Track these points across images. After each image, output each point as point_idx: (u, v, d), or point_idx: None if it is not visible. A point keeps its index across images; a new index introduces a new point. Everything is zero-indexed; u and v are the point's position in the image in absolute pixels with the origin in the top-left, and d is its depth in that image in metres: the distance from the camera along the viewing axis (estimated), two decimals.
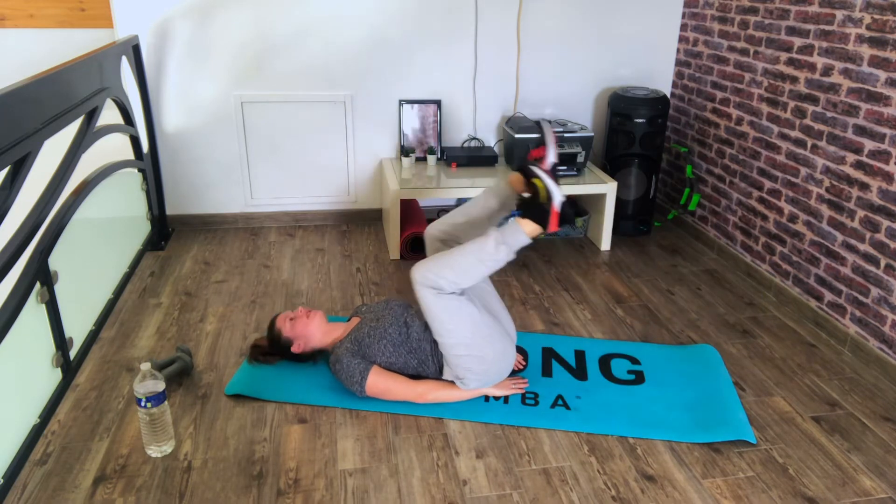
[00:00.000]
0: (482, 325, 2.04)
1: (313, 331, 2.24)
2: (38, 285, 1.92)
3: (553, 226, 2.01)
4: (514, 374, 2.30)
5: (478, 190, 3.18)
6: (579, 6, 3.49)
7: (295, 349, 2.24)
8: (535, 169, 2.03)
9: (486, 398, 2.15)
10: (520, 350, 2.44)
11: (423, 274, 1.98)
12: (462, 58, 3.48)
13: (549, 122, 2.19)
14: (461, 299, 2.01)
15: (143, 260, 3.15)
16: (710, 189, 3.40)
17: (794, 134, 2.78)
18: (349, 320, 2.34)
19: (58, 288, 2.06)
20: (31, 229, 1.89)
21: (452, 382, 2.13)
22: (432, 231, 2.31)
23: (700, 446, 1.97)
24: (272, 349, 2.29)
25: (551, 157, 2.12)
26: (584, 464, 1.90)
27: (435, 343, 2.11)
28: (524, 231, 2.01)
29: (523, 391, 2.17)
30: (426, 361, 2.13)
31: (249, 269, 3.08)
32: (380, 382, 2.09)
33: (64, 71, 2.11)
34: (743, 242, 3.15)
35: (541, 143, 2.17)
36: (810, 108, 2.68)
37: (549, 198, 1.99)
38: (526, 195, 2.07)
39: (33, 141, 1.82)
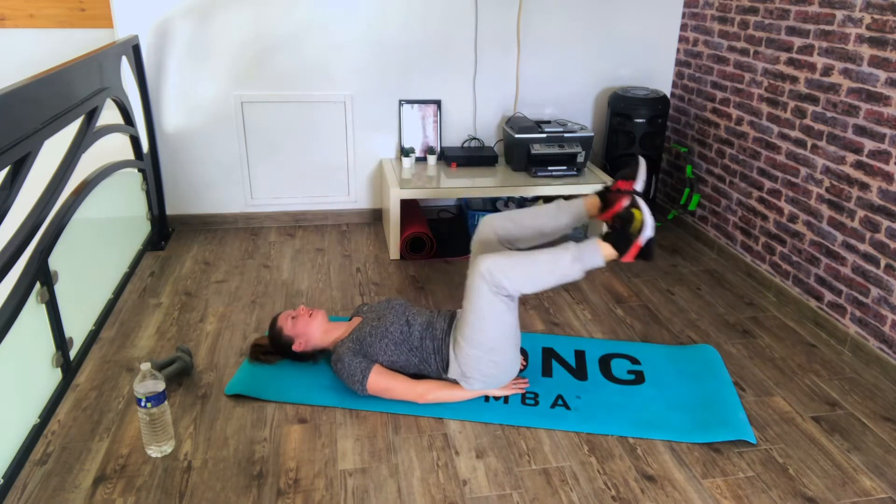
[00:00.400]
0: (510, 335, 2.04)
1: (314, 330, 2.24)
2: (38, 285, 1.92)
3: (630, 256, 2.00)
4: (518, 373, 2.30)
5: (477, 190, 3.18)
6: (579, 6, 3.49)
7: (296, 348, 2.24)
8: (642, 200, 2.01)
9: (486, 398, 2.15)
10: (521, 351, 2.44)
11: (490, 269, 1.94)
12: (462, 58, 3.48)
13: (643, 159, 2.20)
14: (510, 305, 2.00)
15: (143, 260, 3.15)
16: (710, 189, 3.40)
17: (794, 134, 2.78)
18: (350, 320, 2.34)
19: (58, 288, 2.06)
20: (31, 229, 1.89)
21: (453, 382, 2.12)
22: (493, 223, 2.25)
23: (700, 446, 1.97)
24: (273, 348, 2.29)
25: (639, 187, 2.13)
26: (584, 464, 1.90)
27: (440, 342, 2.11)
28: (602, 253, 1.99)
29: (524, 391, 2.17)
30: (428, 360, 2.13)
31: (249, 269, 3.08)
32: (381, 381, 2.09)
33: (64, 71, 2.11)
34: (743, 242, 3.15)
35: (631, 176, 2.16)
36: (810, 108, 2.68)
37: (640, 231, 1.98)
38: (616, 219, 2.04)
39: (33, 141, 1.82)
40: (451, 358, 2.09)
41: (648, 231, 1.98)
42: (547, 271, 1.97)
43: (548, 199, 3.66)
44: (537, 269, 1.97)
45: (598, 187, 2.13)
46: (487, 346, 2.02)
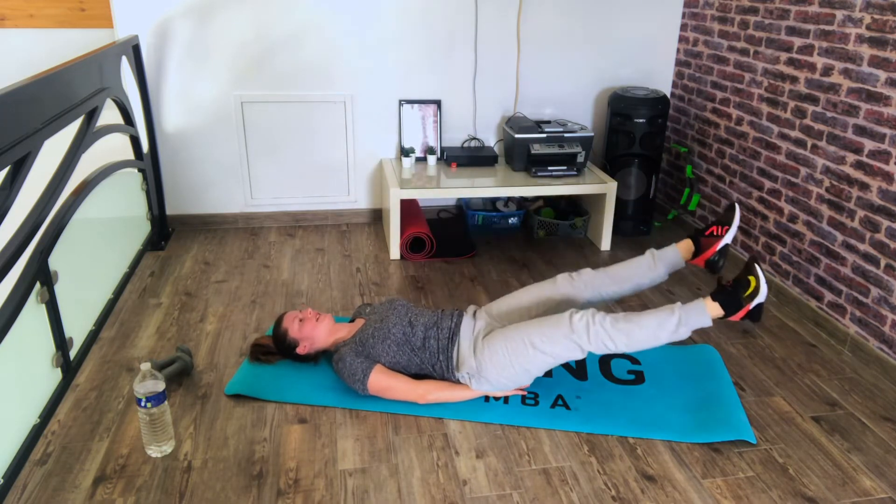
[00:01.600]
0: (550, 351, 2.03)
1: (321, 334, 2.24)
2: (38, 285, 1.92)
3: (738, 318, 2.01)
4: None
5: (477, 190, 3.18)
6: (579, 6, 3.49)
7: (300, 350, 2.24)
8: (759, 267, 2.01)
9: (486, 398, 2.15)
10: None
11: (599, 332, 1.95)
12: (462, 57, 3.48)
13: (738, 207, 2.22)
14: (573, 351, 2.00)
15: (143, 260, 3.15)
16: (710, 189, 3.40)
17: (794, 134, 2.78)
18: (352, 321, 2.34)
19: (58, 288, 2.06)
20: (31, 229, 1.89)
21: (454, 383, 2.12)
22: (585, 278, 2.24)
23: (700, 446, 1.97)
24: (276, 348, 2.29)
25: (729, 238, 2.14)
26: (584, 464, 1.90)
27: (445, 342, 2.11)
28: (709, 314, 1.98)
29: (524, 392, 2.17)
30: (431, 360, 2.12)
31: (249, 269, 3.08)
32: (382, 381, 2.09)
33: (64, 71, 2.11)
34: (743, 242, 3.15)
35: (727, 223, 2.17)
36: (810, 108, 2.68)
37: (751, 297, 1.98)
38: (732, 281, 2.04)
39: (33, 141, 1.82)
40: (468, 355, 2.09)
41: (761, 297, 1.97)
42: (652, 336, 1.96)
43: (547, 201, 3.67)
44: (643, 335, 1.96)
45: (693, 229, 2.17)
46: (524, 368, 2.04)
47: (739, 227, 3.16)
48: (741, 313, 1.99)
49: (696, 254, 2.24)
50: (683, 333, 1.98)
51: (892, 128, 2.30)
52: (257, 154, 3.47)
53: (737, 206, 2.23)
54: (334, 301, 2.80)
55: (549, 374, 2.30)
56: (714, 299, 1.99)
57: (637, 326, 1.96)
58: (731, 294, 1.99)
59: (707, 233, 2.22)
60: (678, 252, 2.25)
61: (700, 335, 2.58)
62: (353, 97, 3.45)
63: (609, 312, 2.03)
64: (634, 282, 2.24)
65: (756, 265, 2.01)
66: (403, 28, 3.37)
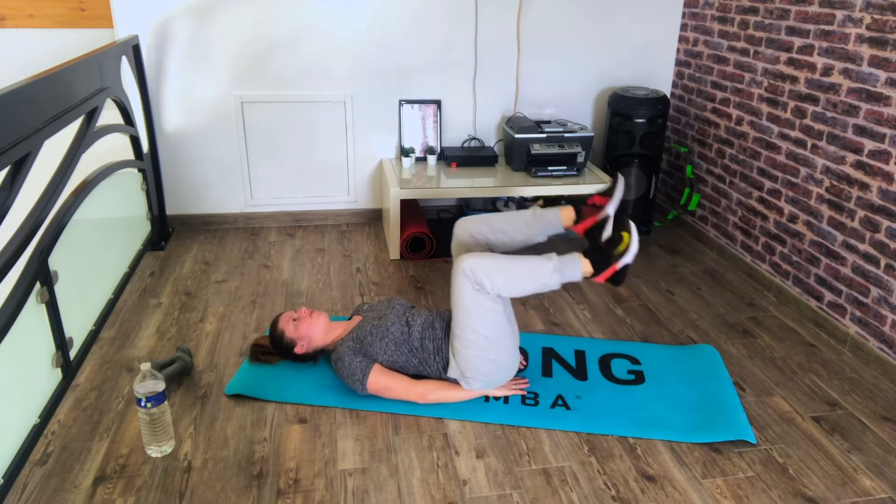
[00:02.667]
0: (501, 331, 2.05)
1: (317, 332, 2.24)
2: (38, 285, 1.92)
3: (602, 278, 2.02)
4: (516, 373, 2.30)
5: (477, 190, 3.18)
6: (579, 6, 3.49)
7: (298, 350, 2.24)
8: (633, 224, 2.02)
9: (486, 398, 2.15)
10: (521, 351, 2.44)
11: (474, 269, 1.96)
12: (462, 58, 3.48)
13: (623, 177, 2.21)
14: (496, 302, 2.01)
15: (143, 260, 3.15)
16: (710, 189, 3.40)
17: (794, 134, 2.78)
18: (350, 319, 2.34)
19: (58, 288, 2.06)
20: (31, 229, 1.89)
21: (454, 382, 2.12)
22: (467, 225, 2.25)
23: (700, 446, 1.97)
24: (275, 350, 2.29)
25: (611, 210, 2.13)
26: (584, 464, 1.90)
27: (440, 341, 2.11)
28: (582, 269, 2.01)
29: (524, 392, 2.17)
30: (428, 360, 2.12)
31: (249, 269, 3.08)
32: (381, 381, 2.09)
33: (64, 71, 2.11)
34: (743, 242, 3.15)
35: (609, 195, 2.17)
36: (810, 108, 2.68)
37: (622, 255, 1.99)
38: (594, 232, 2.05)
39: (33, 141, 1.82)
40: (451, 358, 2.10)
41: (629, 257, 2.00)
42: (528, 278, 1.99)
43: (548, 201, 3.67)
44: (519, 275, 1.99)
45: (583, 193, 2.16)
46: (481, 345, 2.02)
47: (740, 228, 3.16)
48: (607, 273, 2.00)
49: (576, 221, 2.21)
50: (555, 281, 1.99)
51: (892, 128, 2.30)
52: (257, 154, 3.47)
53: (620, 177, 2.20)
54: (334, 301, 2.80)
55: (548, 374, 2.30)
56: (586, 256, 2.02)
57: (514, 266, 1.98)
58: (602, 249, 2.02)
59: (590, 202, 2.20)
60: (559, 216, 2.23)
61: (700, 335, 2.58)
62: (353, 97, 3.45)
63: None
64: (510, 235, 2.23)
65: (629, 221, 2.02)
66: (403, 28, 3.37)
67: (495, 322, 2.02)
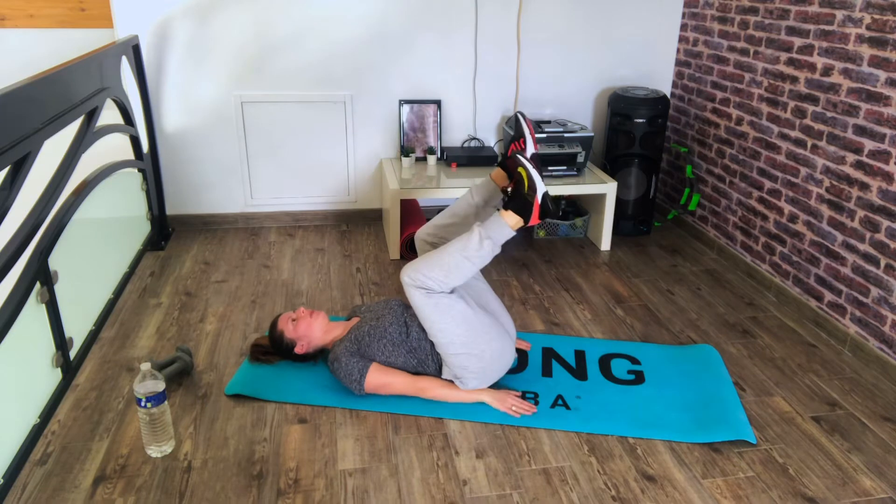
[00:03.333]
0: (476, 322, 2.04)
1: (316, 331, 2.24)
2: (38, 285, 1.92)
3: (535, 218, 2.01)
4: (516, 373, 2.30)
5: None
6: (579, 6, 3.49)
7: (298, 350, 2.24)
8: (521, 158, 2.02)
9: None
10: (519, 350, 2.44)
11: (412, 275, 1.99)
12: (462, 58, 3.48)
13: (524, 114, 2.21)
14: (452, 297, 2.02)
15: (143, 260, 3.15)
16: (710, 189, 3.40)
17: (794, 134, 2.78)
18: (348, 319, 2.34)
19: (58, 288, 2.06)
20: (31, 229, 1.89)
21: (452, 382, 2.12)
22: (421, 235, 2.32)
23: (700, 446, 1.97)
24: (275, 350, 2.29)
25: (530, 147, 2.11)
26: (584, 464, 1.90)
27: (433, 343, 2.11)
28: (507, 223, 2.02)
29: (519, 415, 2.08)
30: (425, 361, 2.12)
31: (249, 269, 3.08)
32: (379, 378, 2.09)
33: (64, 71, 2.11)
34: (743, 242, 3.15)
35: (519, 135, 2.16)
36: (810, 108, 2.68)
37: (532, 189, 1.99)
38: (509, 187, 2.07)
39: (33, 141, 1.82)
40: (443, 360, 2.10)
41: (539, 186, 1.99)
42: (462, 258, 1.99)
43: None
44: (452, 259, 1.99)
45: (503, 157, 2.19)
46: (458, 344, 2.03)
47: (740, 228, 3.16)
48: (535, 212, 1.99)
49: (510, 177, 2.21)
50: (489, 248, 1.99)
51: (892, 128, 2.30)
52: (257, 154, 3.47)
53: (519, 115, 2.19)
54: (334, 301, 2.80)
55: (548, 374, 2.30)
56: (506, 209, 2.02)
57: (445, 254, 1.99)
58: (514, 196, 2.01)
59: (508, 154, 2.19)
60: (491, 182, 2.26)
61: (700, 335, 2.58)
62: (353, 97, 3.45)
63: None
64: (460, 224, 2.26)
65: (517, 157, 2.02)
66: (403, 28, 3.37)
67: (462, 317, 2.02)
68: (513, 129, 3.31)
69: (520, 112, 2.21)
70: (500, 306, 2.24)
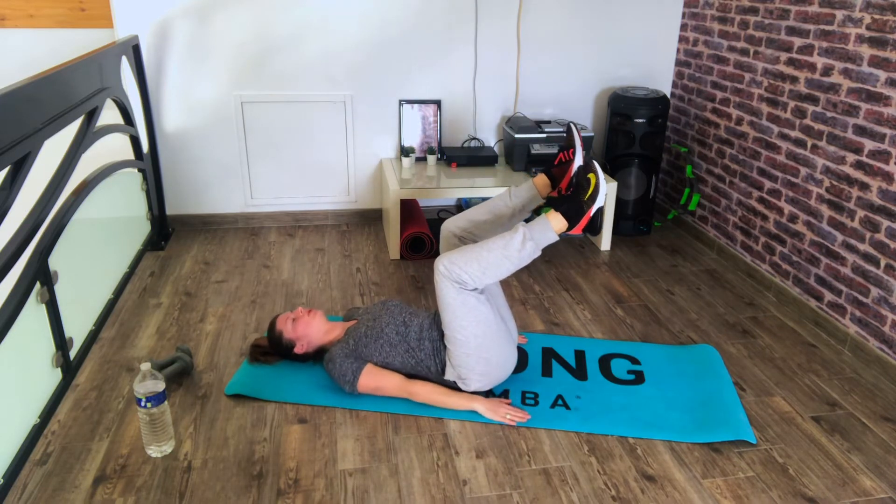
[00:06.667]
0: (493, 327, 2.04)
1: (315, 330, 2.23)
2: (38, 285, 1.92)
3: (579, 228, 1.98)
4: (516, 373, 2.30)
5: (477, 190, 3.18)
6: (579, 6, 3.49)
7: (298, 350, 2.23)
8: (596, 164, 1.98)
9: (487, 394, 2.15)
10: (519, 350, 2.44)
11: (448, 267, 1.95)
12: (462, 58, 3.48)
13: (575, 125, 2.19)
14: (480, 298, 2.00)
15: (143, 260, 3.15)
16: (710, 189, 3.40)
17: (794, 134, 2.78)
18: (345, 321, 2.34)
19: (58, 288, 2.06)
20: (31, 229, 1.89)
21: (452, 384, 2.12)
22: (450, 227, 2.26)
23: (700, 446, 1.97)
24: (274, 351, 2.29)
25: (579, 159, 2.10)
26: (584, 464, 1.90)
27: (438, 343, 2.11)
28: (552, 227, 1.98)
29: (515, 423, 2.05)
30: (426, 361, 2.12)
31: (249, 269, 3.08)
32: (372, 381, 2.09)
33: (64, 71, 2.11)
34: (743, 242, 3.15)
35: (570, 146, 2.15)
36: (810, 108, 2.68)
37: (592, 199, 1.95)
38: (570, 186, 2.01)
39: (33, 141, 1.82)
40: (447, 360, 2.10)
41: (601, 198, 1.96)
42: (502, 256, 1.96)
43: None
44: (492, 256, 1.96)
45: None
46: (473, 344, 2.02)
47: (740, 228, 3.16)
48: (583, 222, 1.97)
49: (554, 186, 2.20)
50: (531, 249, 1.97)
51: (892, 128, 2.30)
52: (257, 154, 3.47)
53: (571, 125, 2.17)
54: (334, 301, 2.80)
55: (548, 374, 2.30)
56: (556, 210, 1.99)
57: (485, 250, 1.96)
58: (570, 199, 1.97)
59: (556, 162, 2.18)
60: (533, 187, 2.23)
61: (700, 335, 2.58)
62: (353, 97, 3.45)
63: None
64: (494, 223, 2.23)
65: (594, 163, 1.99)
66: (403, 28, 3.37)
67: (483, 319, 2.01)
68: (514, 131, 3.31)
69: (572, 122, 2.18)
70: (507, 310, 2.25)
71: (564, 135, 2.18)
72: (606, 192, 1.97)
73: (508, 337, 2.12)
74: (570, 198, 2.00)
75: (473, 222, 2.25)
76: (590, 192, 1.96)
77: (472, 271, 1.95)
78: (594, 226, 1.99)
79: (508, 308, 2.27)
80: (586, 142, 3.34)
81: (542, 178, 2.22)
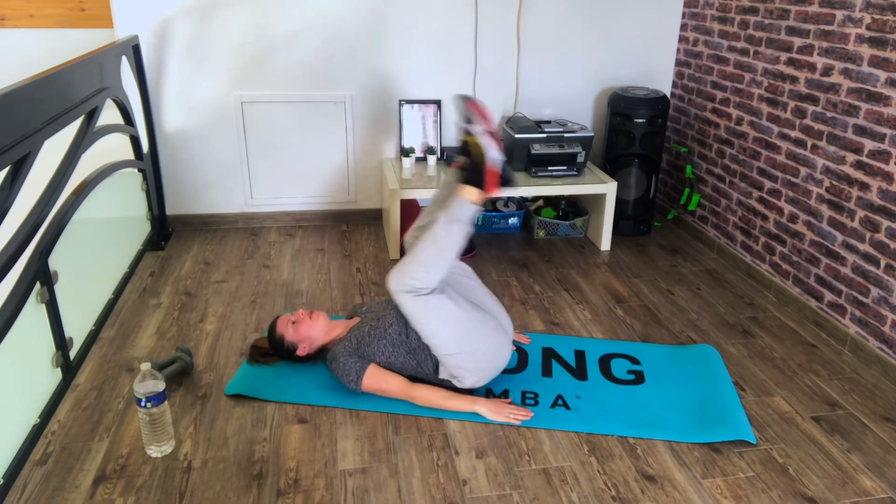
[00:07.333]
0: (467, 321, 2.05)
1: (317, 332, 2.23)
2: (38, 285, 1.92)
3: (492, 186, 2.01)
4: (516, 373, 2.30)
5: None
6: (579, 6, 3.49)
7: (300, 353, 2.23)
8: (469, 127, 2.01)
9: (487, 396, 2.15)
10: (519, 350, 2.44)
11: (397, 280, 2.01)
12: (462, 58, 3.48)
13: (464, 96, 2.14)
14: (440, 298, 2.03)
15: (143, 260, 3.15)
16: (710, 189, 3.40)
17: (794, 134, 2.78)
18: (349, 319, 2.34)
19: (58, 288, 2.06)
20: (31, 229, 1.89)
21: (450, 391, 2.11)
22: (408, 239, 2.30)
23: (700, 446, 1.97)
24: (275, 353, 2.28)
25: (482, 125, 2.08)
26: (584, 464, 1.90)
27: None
28: (466, 199, 2.03)
29: (519, 421, 2.06)
30: (425, 362, 2.12)
31: (249, 269, 3.08)
32: (375, 382, 2.09)
33: (64, 71, 2.11)
34: (743, 242, 3.15)
35: (468, 119, 2.11)
36: (810, 108, 2.68)
37: (480, 154, 1.98)
38: (463, 162, 2.06)
39: (33, 141, 1.82)
40: (439, 361, 2.10)
41: (493, 153, 1.98)
42: (436, 249, 2.00)
43: (547, 201, 3.67)
44: (428, 253, 2.00)
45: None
46: (452, 344, 2.03)
47: (740, 228, 3.16)
48: (491, 181, 1.99)
49: (480, 186, 2.16)
50: (458, 230, 2.01)
51: (892, 128, 2.30)
52: (257, 154, 3.47)
53: (459, 97, 2.12)
54: (334, 301, 2.80)
55: (548, 374, 2.30)
56: (463, 182, 2.03)
57: (420, 251, 2.01)
58: (468, 167, 2.01)
59: (463, 139, 2.13)
60: (463, 199, 2.20)
61: (700, 335, 2.58)
62: (353, 97, 3.45)
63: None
64: (434, 213, 2.25)
65: (464, 127, 2.01)
66: (403, 28, 3.37)
67: (452, 318, 2.03)
68: (514, 131, 3.31)
69: (460, 95, 2.13)
70: (494, 303, 2.24)
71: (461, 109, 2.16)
72: (494, 146, 1.99)
73: (493, 327, 2.11)
74: (468, 167, 2.04)
75: (420, 228, 2.27)
76: (476, 152, 2.00)
77: (418, 275, 1.99)
78: (506, 179, 2.02)
79: (496, 300, 2.26)
80: (585, 141, 3.34)
81: (460, 159, 2.24)
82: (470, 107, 2.09)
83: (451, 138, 3.63)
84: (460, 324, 2.03)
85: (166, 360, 2.25)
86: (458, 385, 2.10)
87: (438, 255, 2.00)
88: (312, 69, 3.37)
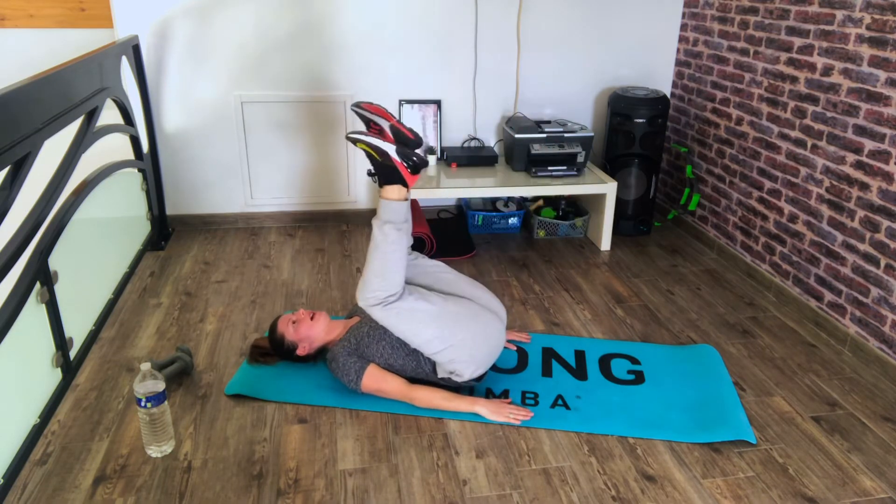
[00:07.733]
0: (444, 316, 2.06)
1: (317, 332, 2.23)
2: (38, 285, 1.92)
3: (409, 178, 2.05)
4: (516, 373, 2.30)
5: (477, 190, 3.18)
6: (579, 6, 3.49)
7: (300, 352, 2.23)
8: (354, 135, 2.04)
9: (487, 396, 2.15)
10: (519, 350, 2.44)
11: (364, 297, 2.06)
12: (462, 58, 3.48)
13: (358, 104, 2.16)
14: (410, 300, 2.06)
15: (143, 260, 3.15)
16: (710, 189, 3.40)
17: (794, 134, 2.78)
18: (349, 318, 2.34)
19: (58, 288, 2.06)
20: (31, 229, 1.89)
21: (450, 392, 2.11)
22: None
23: (700, 446, 1.97)
24: (275, 353, 2.28)
25: (386, 123, 2.09)
26: (584, 464, 1.90)
27: None
28: (390, 198, 2.06)
29: (519, 421, 2.06)
30: (423, 362, 2.12)
31: (249, 269, 3.08)
32: (375, 383, 2.09)
33: (64, 71, 2.11)
34: (743, 242, 3.15)
35: (368, 124, 2.13)
36: (810, 108, 2.68)
37: (380, 153, 2.02)
38: (370, 169, 2.10)
39: (33, 141, 1.82)
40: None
41: (384, 146, 2.02)
42: (381, 255, 2.04)
43: (547, 201, 3.67)
44: (376, 263, 2.05)
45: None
46: (436, 342, 2.05)
47: (740, 228, 3.16)
48: (403, 171, 2.03)
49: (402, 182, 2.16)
50: (392, 231, 2.04)
51: (892, 128, 2.30)
52: (257, 154, 3.47)
53: (353, 108, 2.12)
54: (334, 301, 2.80)
55: (548, 374, 2.30)
56: (381, 185, 2.08)
57: (370, 264, 2.07)
58: (377, 171, 2.06)
59: (372, 152, 2.10)
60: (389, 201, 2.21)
61: (700, 335, 2.58)
62: (353, 97, 3.45)
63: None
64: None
65: (349, 136, 2.04)
66: (404, 28, 3.37)
67: (427, 317, 2.05)
68: (514, 131, 3.31)
69: (353, 106, 2.14)
70: (476, 288, 2.22)
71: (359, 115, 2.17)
72: (385, 139, 2.04)
73: (474, 311, 2.11)
74: (376, 169, 2.08)
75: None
76: (372, 153, 2.03)
77: (376, 285, 2.04)
78: (415, 165, 2.05)
79: (477, 285, 2.24)
80: (585, 141, 3.34)
81: (369, 168, 2.25)
82: (364, 110, 2.11)
83: (452, 138, 3.64)
84: (438, 319, 2.05)
85: (166, 360, 2.25)
86: (459, 379, 2.10)
87: (385, 259, 2.04)
88: (312, 69, 3.37)
